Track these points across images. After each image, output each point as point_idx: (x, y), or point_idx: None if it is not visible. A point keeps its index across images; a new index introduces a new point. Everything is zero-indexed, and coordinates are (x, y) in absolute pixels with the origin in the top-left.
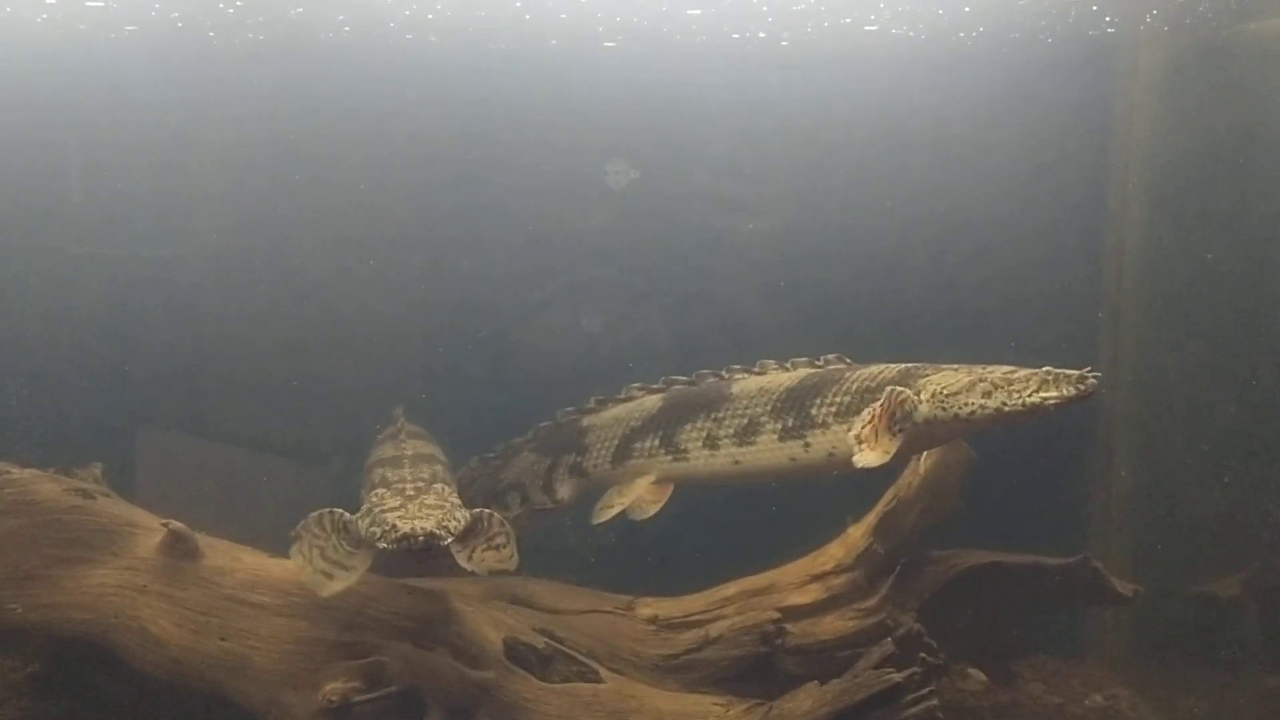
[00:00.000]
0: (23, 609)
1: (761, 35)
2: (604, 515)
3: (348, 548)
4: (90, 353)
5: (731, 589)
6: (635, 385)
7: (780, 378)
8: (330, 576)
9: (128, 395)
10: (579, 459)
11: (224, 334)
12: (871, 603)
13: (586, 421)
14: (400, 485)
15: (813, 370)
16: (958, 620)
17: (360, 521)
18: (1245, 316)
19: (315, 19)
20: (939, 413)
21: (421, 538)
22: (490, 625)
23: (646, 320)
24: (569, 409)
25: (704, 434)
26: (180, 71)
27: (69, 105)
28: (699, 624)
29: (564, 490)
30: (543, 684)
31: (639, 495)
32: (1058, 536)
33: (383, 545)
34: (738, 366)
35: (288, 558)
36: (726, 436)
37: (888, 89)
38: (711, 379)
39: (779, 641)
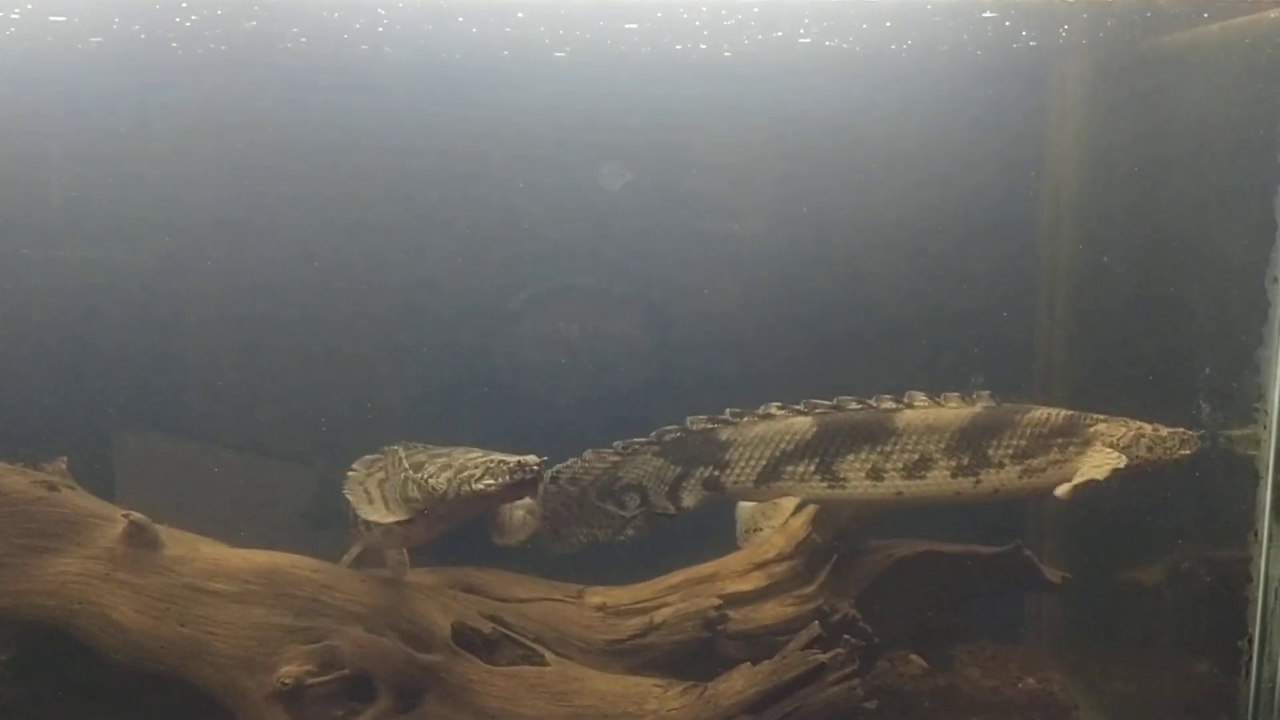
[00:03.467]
0: None
1: (703, 47)
2: (754, 539)
3: (412, 492)
4: (54, 354)
5: (678, 577)
6: (776, 404)
7: (946, 415)
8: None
9: (94, 394)
10: (717, 473)
11: (185, 337)
12: (810, 590)
13: (725, 436)
14: (450, 449)
15: (980, 410)
16: (896, 607)
17: (437, 477)
18: (1148, 318)
19: (270, 31)
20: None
21: (535, 465)
22: (439, 611)
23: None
24: (701, 417)
25: (869, 465)
26: (144, 82)
27: (37, 115)
28: (645, 611)
29: (691, 500)
30: (489, 667)
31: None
32: (996, 526)
33: (487, 484)
34: (887, 397)
35: (247, 548)
36: (894, 470)
37: (827, 100)
38: (858, 407)
39: (721, 627)
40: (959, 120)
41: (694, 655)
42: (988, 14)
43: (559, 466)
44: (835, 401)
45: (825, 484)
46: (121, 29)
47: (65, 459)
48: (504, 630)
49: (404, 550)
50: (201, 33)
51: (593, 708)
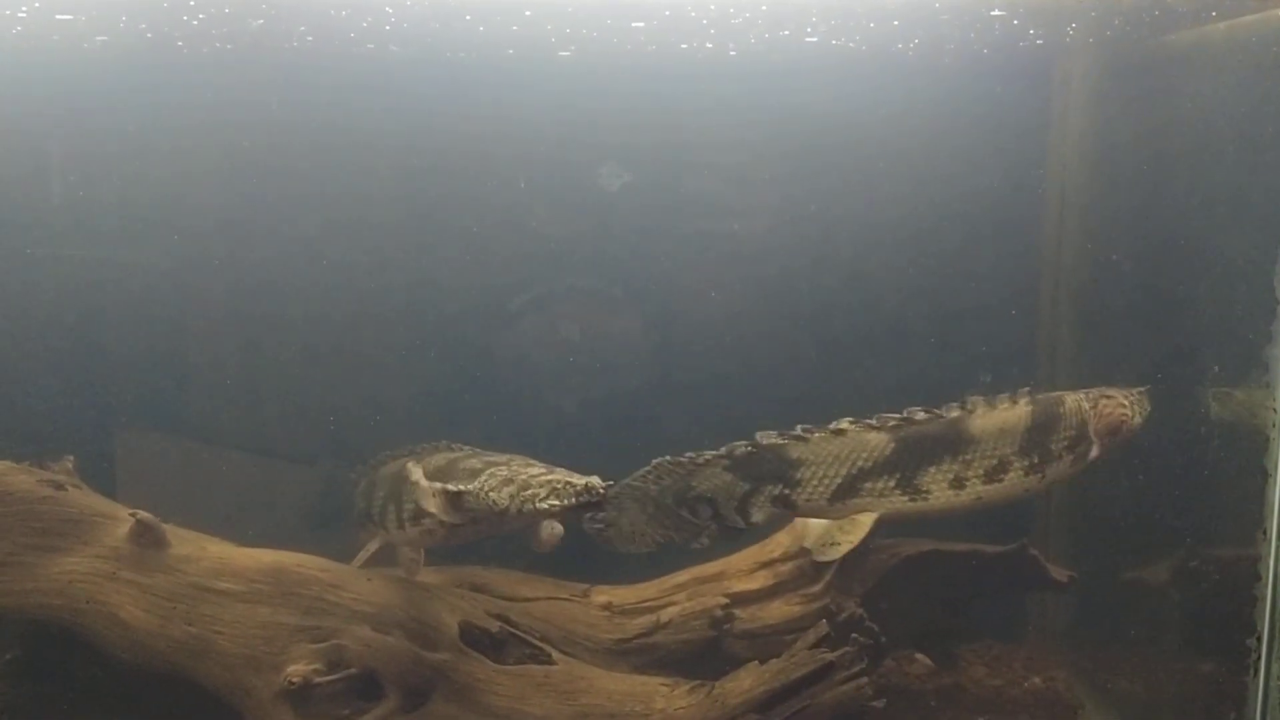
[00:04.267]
0: None
1: (709, 46)
2: (833, 554)
3: (472, 504)
4: (61, 352)
5: (684, 576)
6: (848, 419)
7: (1012, 416)
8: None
9: (100, 393)
10: (788, 492)
11: (192, 336)
12: (816, 589)
13: (796, 454)
14: (508, 460)
15: (1034, 407)
16: (902, 606)
17: (499, 491)
18: (1151, 318)
19: (277, 29)
20: None
21: (601, 489)
22: (446, 610)
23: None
24: (770, 433)
25: (950, 475)
26: (151, 80)
27: (43, 114)
28: (651, 609)
29: (760, 515)
30: (496, 666)
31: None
32: (1002, 525)
33: (552, 504)
34: (954, 405)
35: (253, 547)
36: (975, 477)
37: (833, 99)
38: (926, 417)
39: (727, 626)
40: (966, 119)
41: (700, 654)
42: (995, 12)
43: (638, 473)
44: (905, 413)
45: (906, 498)
46: (128, 27)
47: (72, 458)
48: (511, 629)
49: (421, 550)
50: (208, 31)
51: (600, 706)
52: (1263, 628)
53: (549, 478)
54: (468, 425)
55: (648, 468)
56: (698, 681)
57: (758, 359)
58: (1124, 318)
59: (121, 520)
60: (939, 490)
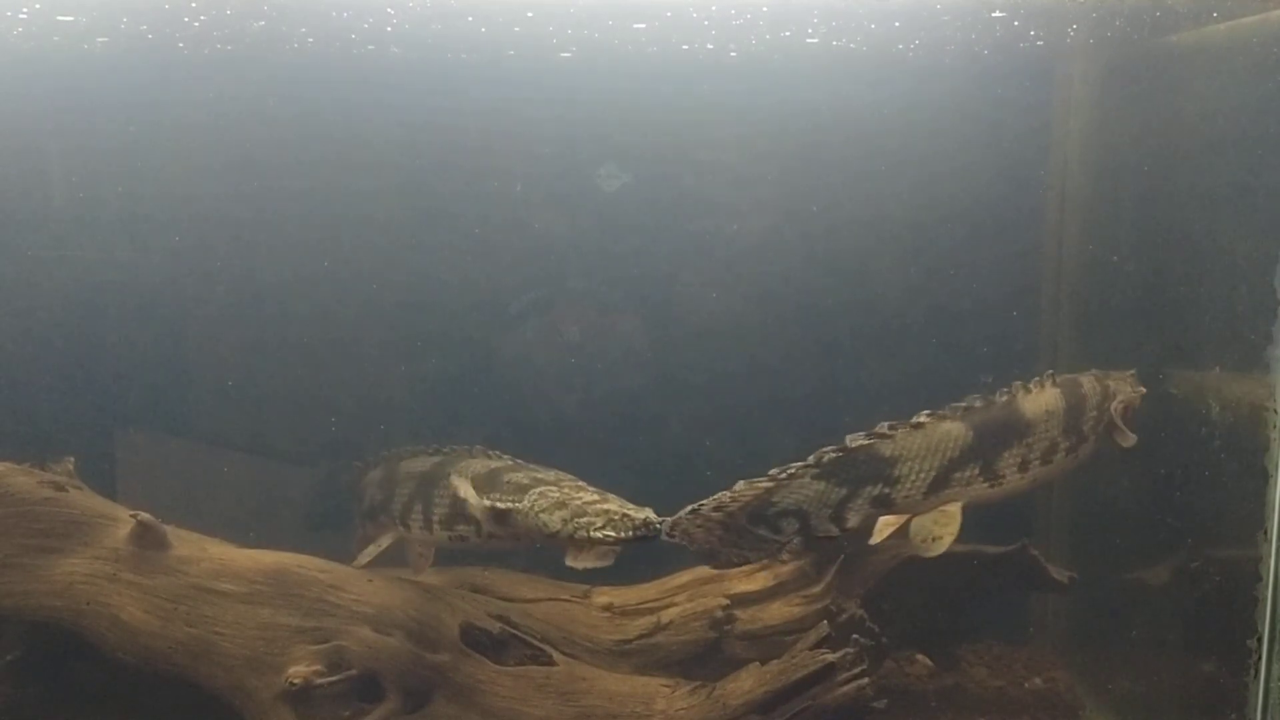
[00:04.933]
0: None
1: (709, 47)
2: (937, 548)
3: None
4: (62, 353)
5: (684, 577)
6: (925, 412)
7: (1050, 398)
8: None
9: (101, 394)
10: (887, 490)
11: (193, 336)
12: (817, 589)
13: (889, 451)
14: (556, 479)
15: (1061, 389)
16: (902, 606)
17: (550, 514)
18: (1152, 319)
19: (278, 31)
20: None
21: (658, 525)
22: (447, 611)
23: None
24: (857, 434)
25: (1018, 459)
26: (152, 81)
27: (44, 115)
28: (652, 610)
29: (855, 519)
30: (497, 667)
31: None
32: (1003, 526)
33: (607, 534)
34: (1005, 390)
35: (254, 549)
36: (1035, 459)
37: (835, 100)
38: (983, 405)
39: (728, 627)
40: (967, 120)
41: (701, 655)
42: (996, 14)
43: (704, 502)
44: (965, 402)
45: (987, 484)
46: (129, 29)
47: (72, 459)
48: (512, 630)
49: (431, 549)
50: (209, 33)
51: (601, 707)
52: (1263, 629)
53: (605, 507)
54: (468, 425)
55: (712, 499)
56: (698, 682)
57: (759, 359)
58: (1125, 318)
59: (122, 521)
60: (1010, 474)
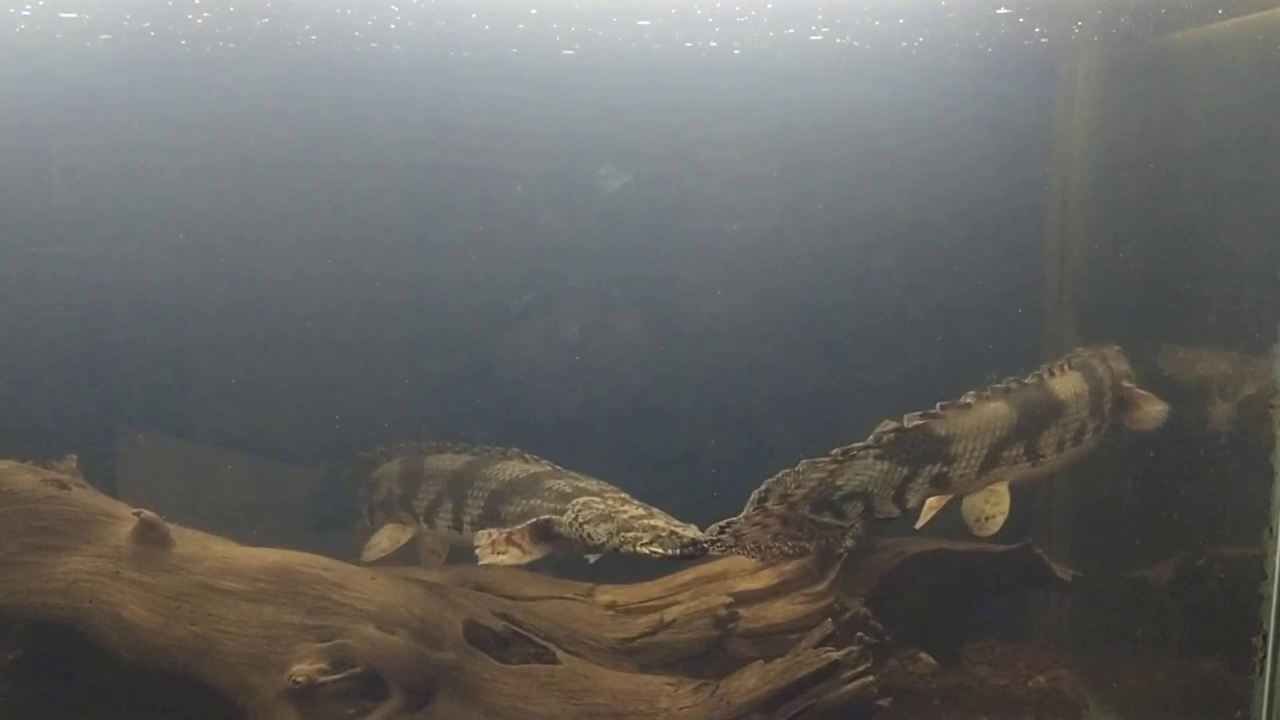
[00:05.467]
0: (1, 594)
1: (713, 44)
2: (990, 528)
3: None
4: (65, 351)
5: (687, 575)
6: (971, 393)
7: (1080, 382)
8: None
9: (104, 391)
10: (945, 469)
11: (195, 335)
12: (820, 588)
13: (944, 430)
14: (600, 489)
15: (1080, 373)
16: (906, 605)
17: (596, 526)
18: (1156, 316)
19: (281, 28)
20: None
21: (705, 545)
22: (451, 609)
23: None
24: (915, 414)
25: (1057, 439)
26: (154, 79)
27: (46, 111)
28: (655, 609)
29: (915, 500)
30: (501, 665)
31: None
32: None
33: (654, 551)
34: (1037, 372)
35: (257, 546)
36: (1069, 439)
37: (838, 97)
38: (1018, 386)
39: (731, 625)
40: (971, 117)
41: (704, 653)
42: (1001, 10)
43: (766, 485)
44: (1004, 383)
45: (1030, 463)
46: (132, 26)
47: (75, 456)
48: (515, 628)
49: (445, 545)
50: (212, 30)
51: (605, 706)
52: (1269, 626)
53: (652, 523)
54: (469, 425)
55: (781, 475)
56: (702, 681)
57: (761, 358)
58: (1129, 316)
59: (125, 519)
60: (1049, 453)
